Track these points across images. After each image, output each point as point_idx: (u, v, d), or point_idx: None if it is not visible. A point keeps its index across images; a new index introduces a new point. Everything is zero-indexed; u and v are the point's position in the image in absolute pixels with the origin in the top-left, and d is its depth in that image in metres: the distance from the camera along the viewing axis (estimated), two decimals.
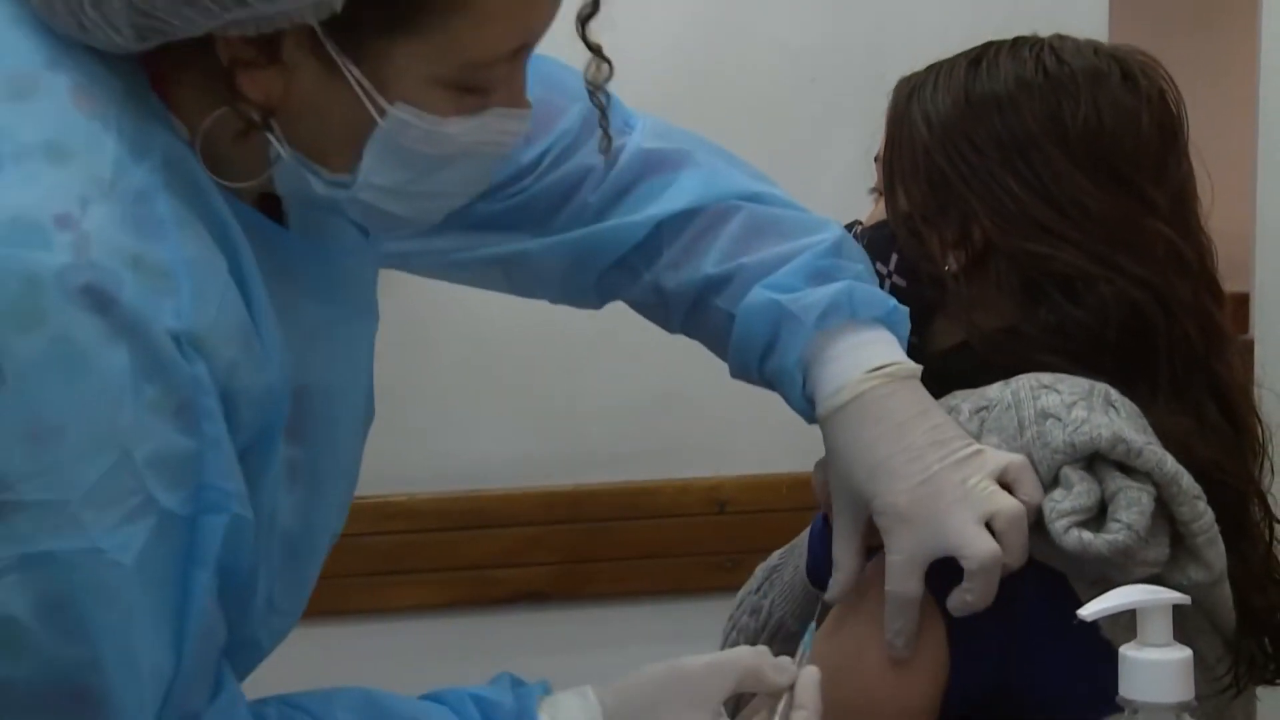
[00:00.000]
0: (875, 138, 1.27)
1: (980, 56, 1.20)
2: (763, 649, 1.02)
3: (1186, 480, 1.05)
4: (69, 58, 0.87)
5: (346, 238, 1.07)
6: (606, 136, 1.08)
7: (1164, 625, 0.90)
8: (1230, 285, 1.23)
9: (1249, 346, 1.79)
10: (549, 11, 0.92)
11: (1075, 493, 1.04)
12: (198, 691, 0.89)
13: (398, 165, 0.92)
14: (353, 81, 0.88)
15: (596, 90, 1.03)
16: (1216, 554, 1.07)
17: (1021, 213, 1.15)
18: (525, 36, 0.92)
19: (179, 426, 0.83)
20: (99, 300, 0.80)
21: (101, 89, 0.87)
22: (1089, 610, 0.90)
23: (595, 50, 1.00)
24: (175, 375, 0.83)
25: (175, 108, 0.91)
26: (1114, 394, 1.09)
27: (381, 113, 0.90)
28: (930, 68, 1.23)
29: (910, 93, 1.22)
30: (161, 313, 0.83)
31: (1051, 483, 1.06)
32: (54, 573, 0.80)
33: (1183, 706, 0.89)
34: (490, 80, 0.92)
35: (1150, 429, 1.09)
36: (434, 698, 0.99)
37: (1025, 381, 1.10)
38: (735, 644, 1.28)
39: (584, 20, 0.97)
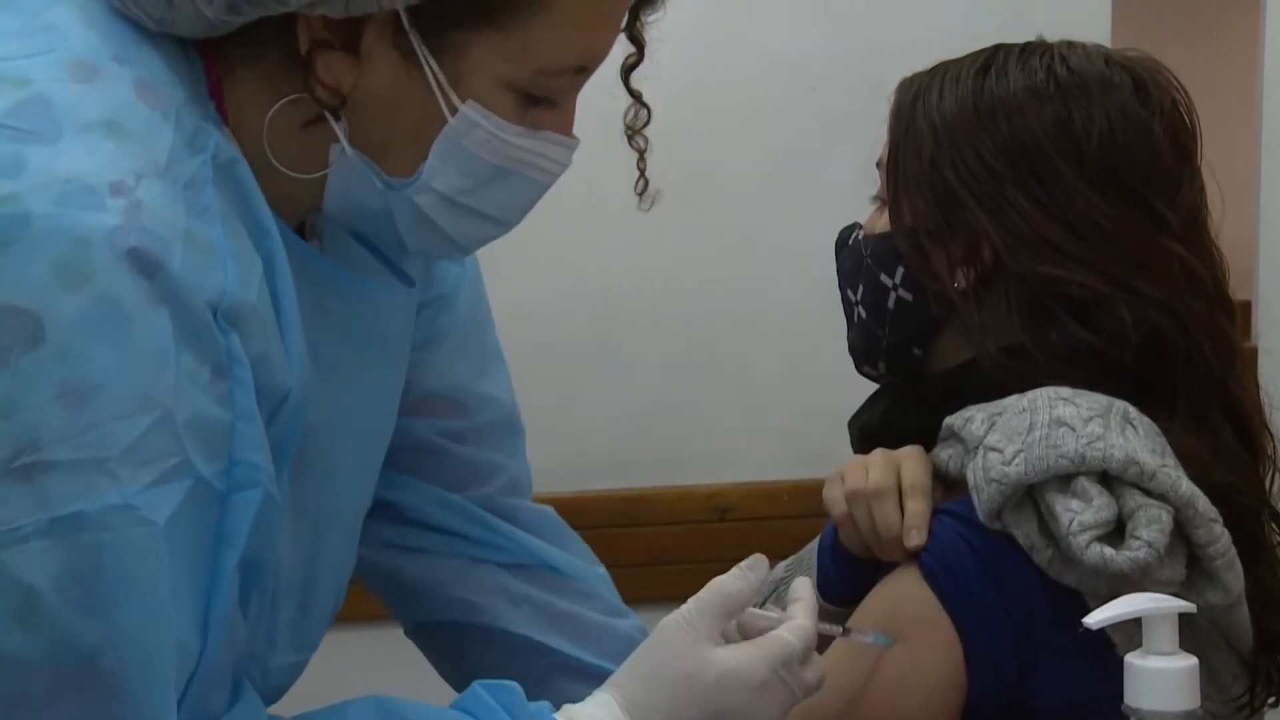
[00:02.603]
0: (876, 147, 1.26)
1: (989, 63, 1.18)
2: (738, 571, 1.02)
3: (1203, 503, 1.04)
4: (135, 56, 0.89)
5: (381, 280, 1.07)
6: (644, 178, 1.11)
7: (1169, 633, 0.89)
8: (1233, 293, 1.22)
9: (1253, 354, 1.79)
10: (613, 34, 0.96)
11: (1095, 506, 1.03)
12: (217, 692, 0.88)
13: (458, 170, 0.94)
14: (429, 74, 0.90)
15: (635, 134, 1.07)
16: (1234, 576, 1.06)
17: (1033, 233, 1.13)
18: (590, 55, 0.95)
19: (215, 396, 0.84)
20: (147, 264, 0.81)
21: (164, 88, 0.89)
22: (1095, 618, 0.90)
23: (636, 97, 1.05)
24: (211, 344, 0.84)
25: (230, 118, 0.93)
26: (1133, 412, 1.08)
27: (453, 110, 0.92)
28: (935, 70, 1.21)
29: (915, 96, 1.20)
30: (206, 285, 0.84)
31: (1050, 483, 1.05)
32: (82, 536, 0.79)
33: (1188, 715, 0.88)
34: (554, 92, 0.95)
35: (1169, 449, 1.08)
36: (455, 706, 0.99)
37: (1044, 392, 1.09)
38: None
39: (628, 70, 1.02)
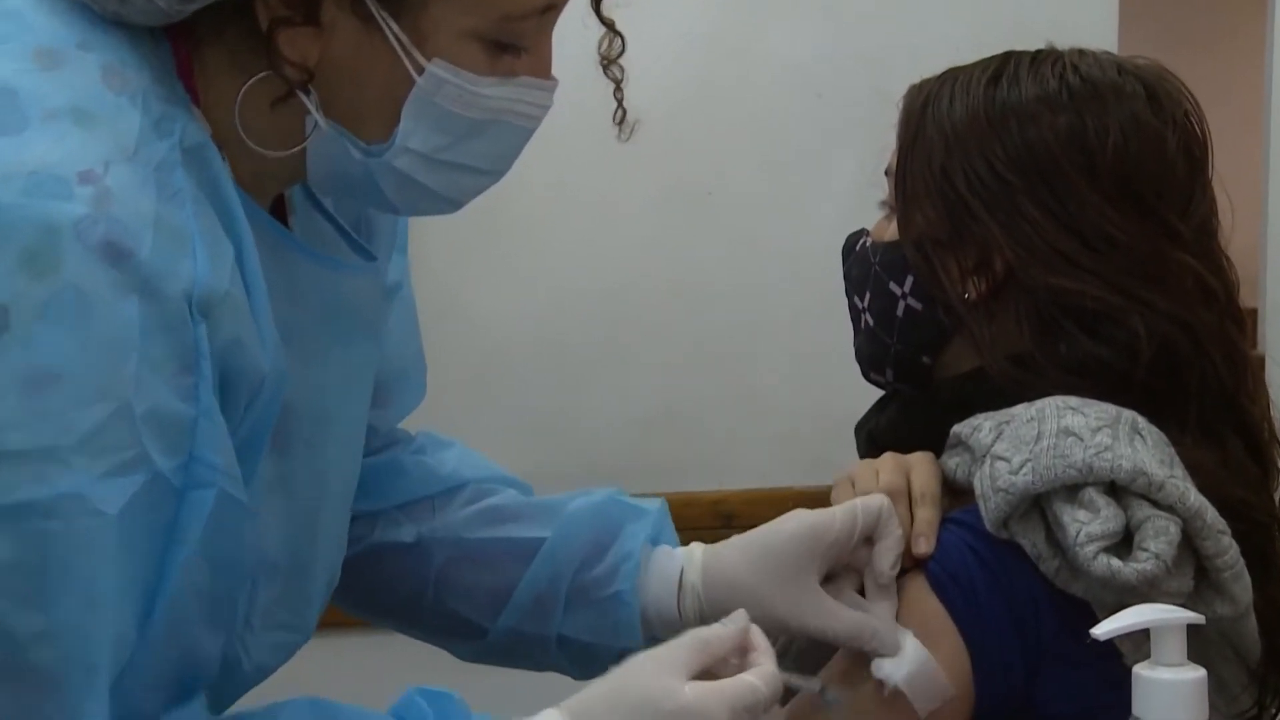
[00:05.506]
0: (879, 153, 1.25)
1: (1000, 71, 1.17)
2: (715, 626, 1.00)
3: (1211, 514, 1.04)
4: (99, 40, 0.88)
5: (351, 259, 1.08)
6: (621, 109, 1.08)
7: (1178, 645, 0.89)
8: (1240, 302, 1.22)
9: (1260, 363, 1.78)
10: None
11: (1103, 517, 1.02)
12: (155, 692, 0.86)
13: (433, 128, 0.94)
14: (391, 37, 0.90)
15: (610, 64, 1.05)
16: (1242, 588, 1.05)
17: (1046, 244, 1.12)
18: None
19: (179, 390, 0.83)
20: (116, 253, 0.81)
21: (131, 71, 0.88)
22: (1103, 629, 0.90)
23: (609, 25, 1.03)
24: (181, 336, 0.83)
25: (201, 96, 0.92)
26: (1141, 421, 1.07)
27: (419, 70, 0.91)
28: (945, 76, 1.20)
29: (924, 103, 1.19)
30: (178, 273, 0.83)
31: (1058, 493, 1.04)
32: (26, 526, 0.78)
33: None
34: (521, 36, 0.94)
35: (1177, 459, 1.07)
36: (391, 713, 0.96)
37: (1052, 401, 1.08)
38: None
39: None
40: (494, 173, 1.01)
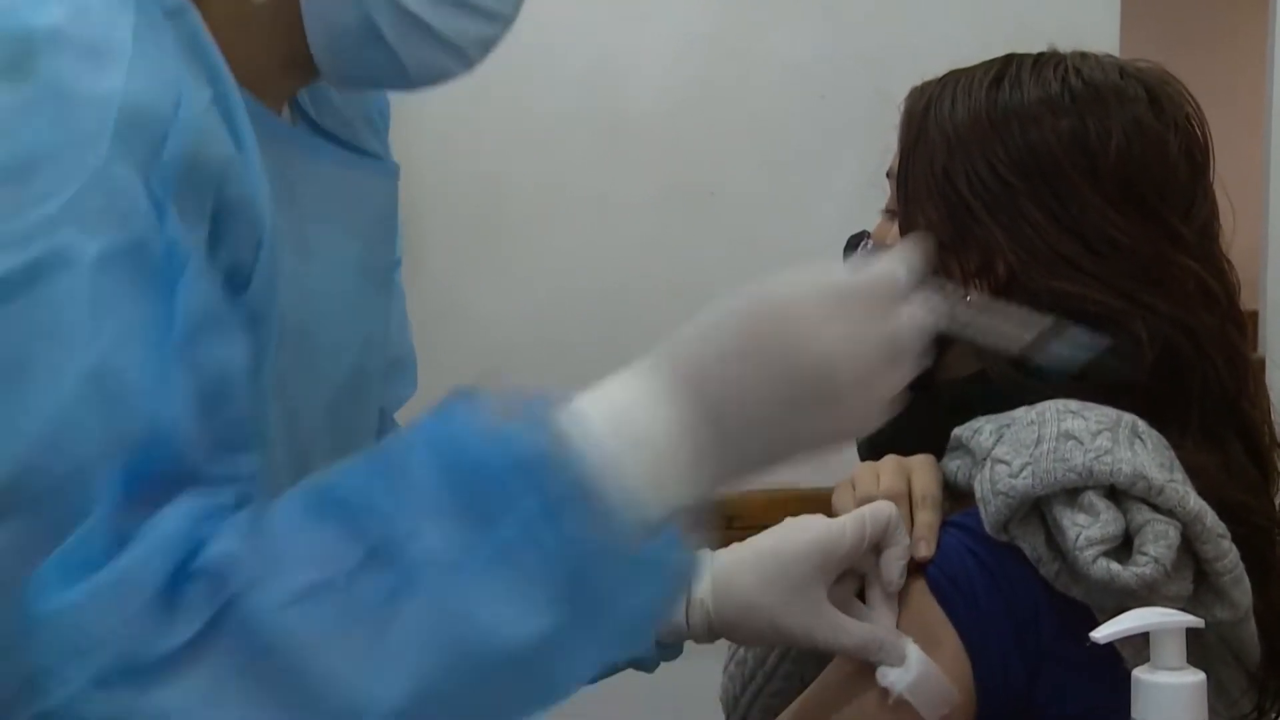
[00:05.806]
0: (880, 154, 1.25)
1: (1002, 73, 1.17)
2: None
3: (1210, 518, 1.03)
4: None
5: (350, 156, 1.07)
6: None
7: (1177, 648, 0.89)
8: (1241, 304, 1.22)
9: (1260, 366, 1.79)
10: None
11: (1102, 521, 1.02)
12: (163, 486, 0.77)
13: None
14: None
15: None
16: (1241, 592, 1.05)
17: (1047, 247, 1.12)
18: None
19: (152, 183, 0.82)
20: (94, 51, 0.82)
21: None
22: (1102, 633, 0.90)
23: None
24: (157, 134, 0.82)
25: None
26: (1141, 425, 1.07)
27: None
28: (946, 79, 1.20)
29: (926, 105, 1.19)
30: (156, 80, 0.83)
31: (1058, 497, 1.04)
32: (10, 295, 0.76)
33: None
34: None
35: (1177, 463, 1.07)
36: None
37: (1052, 404, 1.08)
38: (736, 677, 1.26)
39: None
40: (498, 16, 0.99)
